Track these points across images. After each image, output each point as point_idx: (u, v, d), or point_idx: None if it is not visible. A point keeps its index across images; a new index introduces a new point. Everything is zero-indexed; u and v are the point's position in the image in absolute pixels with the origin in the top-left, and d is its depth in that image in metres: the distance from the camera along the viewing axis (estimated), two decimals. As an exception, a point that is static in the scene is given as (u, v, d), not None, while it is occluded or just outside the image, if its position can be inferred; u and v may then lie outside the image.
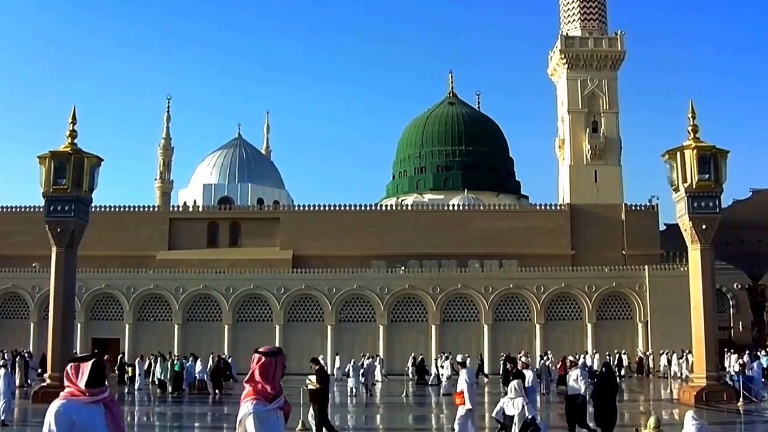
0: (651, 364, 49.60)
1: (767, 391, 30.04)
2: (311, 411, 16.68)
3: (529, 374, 17.24)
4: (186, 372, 34.52)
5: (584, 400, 17.16)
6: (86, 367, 4.99)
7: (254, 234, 60.94)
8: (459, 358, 17.86)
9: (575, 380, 17.22)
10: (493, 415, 17.71)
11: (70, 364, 5.05)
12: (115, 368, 39.35)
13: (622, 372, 44.88)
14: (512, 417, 15.88)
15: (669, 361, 46.80)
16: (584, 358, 42.33)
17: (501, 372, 36.13)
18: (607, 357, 42.06)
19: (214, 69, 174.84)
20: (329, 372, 40.49)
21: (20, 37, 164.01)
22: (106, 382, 5.15)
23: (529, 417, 15.42)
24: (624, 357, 47.64)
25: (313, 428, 16.61)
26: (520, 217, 62.02)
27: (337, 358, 47.12)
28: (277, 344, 50.54)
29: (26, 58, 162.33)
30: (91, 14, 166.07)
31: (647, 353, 50.08)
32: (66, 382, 5.05)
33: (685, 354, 44.36)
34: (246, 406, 5.07)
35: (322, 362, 17.78)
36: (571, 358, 18.75)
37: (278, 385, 5.16)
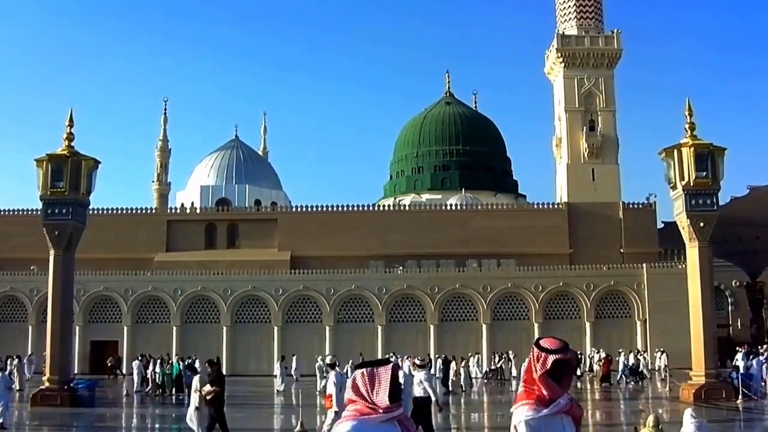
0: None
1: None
2: (193, 411, 16.27)
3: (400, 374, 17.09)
4: (184, 374, 34.42)
5: (428, 404, 16.09)
6: (384, 375, 3.97)
7: (252, 235, 60.88)
8: (328, 360, 17.50)
9: (418, 383, 16.10)
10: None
11: (359, 372, 4.03)
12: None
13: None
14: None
15: (627, 361, 46.17)
16: (626, 355, 41.87)
17: None
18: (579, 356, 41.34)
19: (210, 70, 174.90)
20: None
21: (18, 38, 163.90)
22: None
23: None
24: (594, 355, 44.27)
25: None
26: (517, 217, 62.04)
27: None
28: (276, 344, 50.62)
29: (24, 59, 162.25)
30: (89, 15, 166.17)
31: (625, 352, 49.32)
32: (352, 395, 4.00)
33: (642, 353, 44.12)
34: (517, 413, 4.47)
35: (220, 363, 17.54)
36: (417, 360, 17.85)
37: (554, 387, 4.38)
